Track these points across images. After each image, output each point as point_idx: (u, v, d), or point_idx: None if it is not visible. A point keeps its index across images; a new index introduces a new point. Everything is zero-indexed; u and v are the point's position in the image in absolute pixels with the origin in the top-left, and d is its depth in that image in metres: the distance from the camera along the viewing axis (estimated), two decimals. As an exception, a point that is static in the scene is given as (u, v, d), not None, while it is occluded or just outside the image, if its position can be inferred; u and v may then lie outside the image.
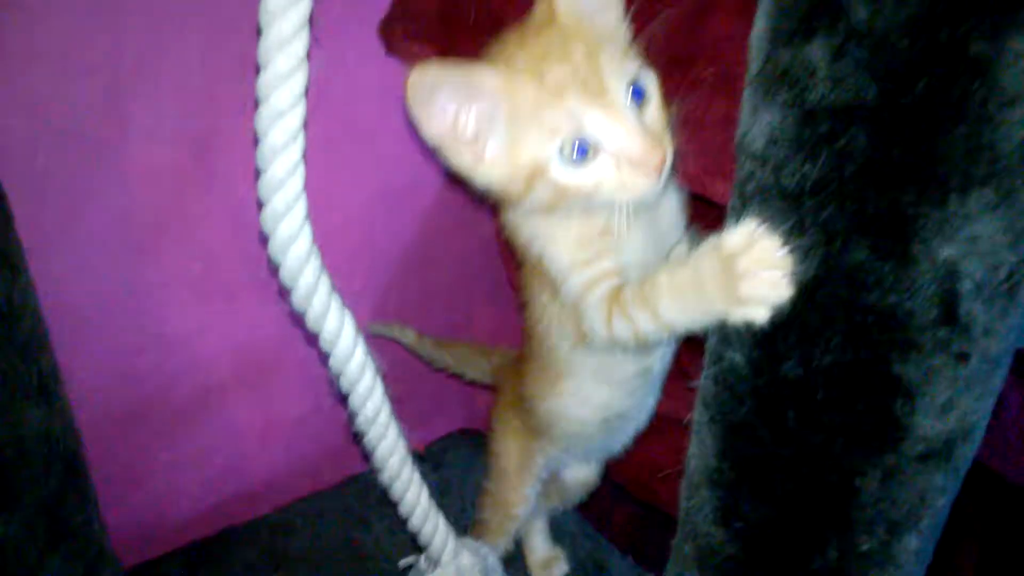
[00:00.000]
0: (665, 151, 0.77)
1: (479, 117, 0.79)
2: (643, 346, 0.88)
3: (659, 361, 1.03)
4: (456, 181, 0.86)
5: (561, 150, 0.78)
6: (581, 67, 0.76)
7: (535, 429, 1.16)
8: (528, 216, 0.89)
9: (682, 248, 0.90)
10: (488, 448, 1.28)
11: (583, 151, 0.77)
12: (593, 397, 1.05)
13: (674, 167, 0.82)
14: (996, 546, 1.47)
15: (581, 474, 1.34)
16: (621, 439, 1.17)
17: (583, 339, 0.92)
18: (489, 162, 0.82)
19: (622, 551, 1.49)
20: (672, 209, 0.93)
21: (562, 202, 0.82)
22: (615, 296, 0.84)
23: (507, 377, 1.28)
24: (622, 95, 0.78)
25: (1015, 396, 1.92)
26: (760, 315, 0.70)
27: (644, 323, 0.81)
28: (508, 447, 1.23)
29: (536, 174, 0.80)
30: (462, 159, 0.82)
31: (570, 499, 1.39)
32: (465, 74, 0.78)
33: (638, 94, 0.79)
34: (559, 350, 1.00)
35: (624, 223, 0.82)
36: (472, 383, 1.48)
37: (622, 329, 0.84)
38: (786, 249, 0.67)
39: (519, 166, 0.80)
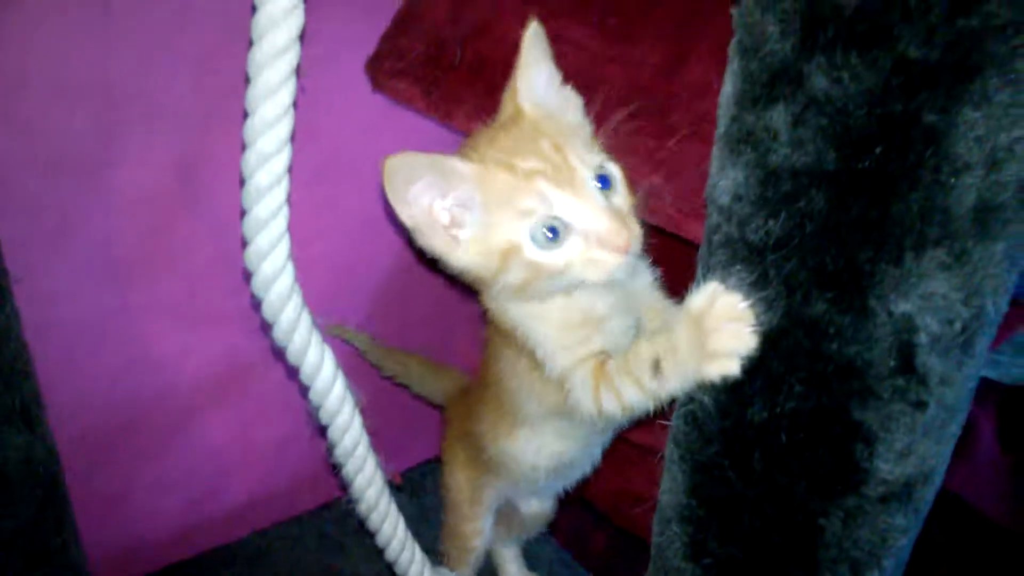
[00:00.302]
0: (631, 232, 0.80)
1: (453, 204, 0.82)
2: (630, 416, 0.89)
3: None
4: (430, 262, 0.88)
5: (533, 232, 0.80)
6: (550, 156, 0.81)
7: (484, 464, 1.18)
8: (507, 301, 0.90)
9: (660, 314, 0.94)
10: (440, 482, 1.31)
11: (555, 233, 0.80)
12: (548, 447, 1.07)
13: (643, 249, 0.86)
14: (967, 574, 1.49)
15: (537, 507, 1.36)
16: (566, 482, 1.22)
17: (559, 411, 0.94)
18: (464, 246, 0.84)
19: (602, 581, 1.50)
20: (648, 291, 0.96)
21: (535, 281, 0.83)
22: (600, 370, 0.87)
23: (457, 410, 1.30)
24: (589, 180, 0.81)
25: (987, 428, 1.95)
26: (732, 368, 0.73)
27: (630, 395, 0.84)
28: (458, 480, 1.25)
29: (510, 255, 0.82)
30: (437, 242, 0.84)
31: (528, 531, 1.41)
32: (440, 164, 0.81)
33: (604, 182, 0.83)
34: (521, 406, 1.02)
35: (598, 303, 0.87)
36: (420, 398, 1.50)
37: (610, 403, 0.86)
38: (747, 303, 0.71)
39: (493, 248, 0.82)
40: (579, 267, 0.81)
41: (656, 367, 0.80)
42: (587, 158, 0.82)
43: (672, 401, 0.85)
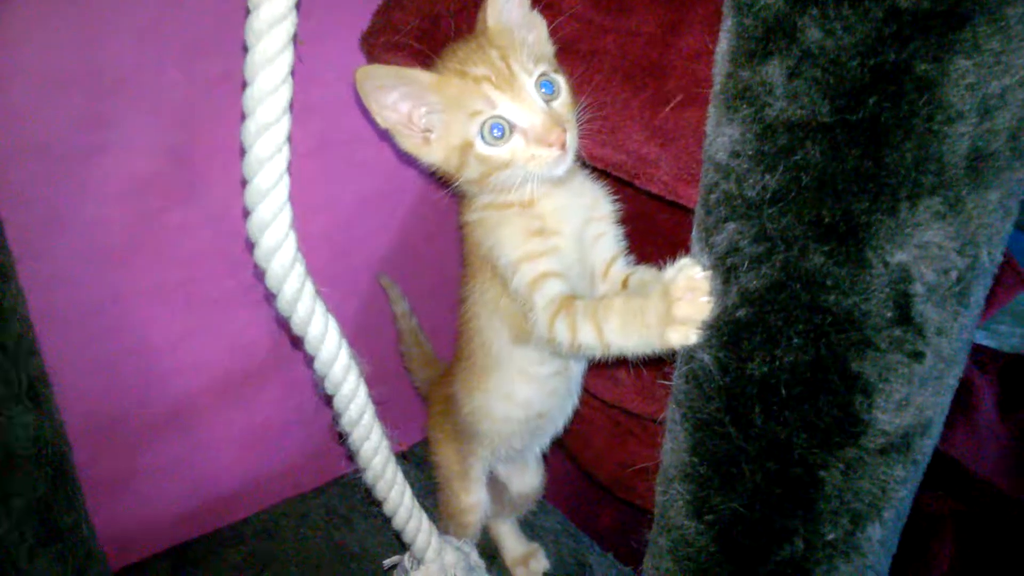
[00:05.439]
0: (565, 131, 0.91)
1: (416, 107, 0.95)
2: (575, 355, 0.98)
3: (575, 364, 1.14)
4: (407, 161, 1.02)
5: (482, 130, 0.92)
6: (496, 64, 0.93)
7: (463, 431, 1.23)
8: (478, 200, 1.03)
9: (640, 276, 1.01)
10: (430, 462, 1.35)
11: (500, 130, 0.92)
12: (517, 394, 1.13)
13: (580, 159, 0.99)
14: (970, 540, 1.51)
15: (525, 485, 1.41)
16: (541, 441, 1.28)
17: (522, 335, 1.02)
18: (433, 146, 0.97)
19: (605, 549, 1.52)
20: (599, 215, 1.05)
21: (490, 175, 0.95)
22: (567, 304, 0.94)
23: (437, 386, 1.36)
24: (528, 85, 0.93)
25: (988, 396, 1.97)
26: (691, 337, 0.80)
27: (585, 334, 0.92)
28: (447, 456, 1.30)
29: (465, 150, 0.94)
30: (410, 143, 0.98)
31: (518, 509, 1.45)
32: (404, 74, 0.94)
33: (548, 88, 0.94)
34: (489, 345, 1.10)
35: (551, 217, 0.99)
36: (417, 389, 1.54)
37: (562, 333, 0.94)
38: (707, 274, 0.77)
39: (453, 146, 0.95)
40: (521, 159, 0.93)
41: (622, 320, 0.88)
42: (529, 67, 0.93)
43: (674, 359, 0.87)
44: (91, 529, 1.02)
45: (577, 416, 1.26)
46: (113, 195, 1.14)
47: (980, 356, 2.08)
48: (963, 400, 1.89)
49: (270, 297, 0.82)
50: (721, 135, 0.69)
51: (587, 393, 1.30)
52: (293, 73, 0.74)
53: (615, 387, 1.31)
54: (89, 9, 1.04)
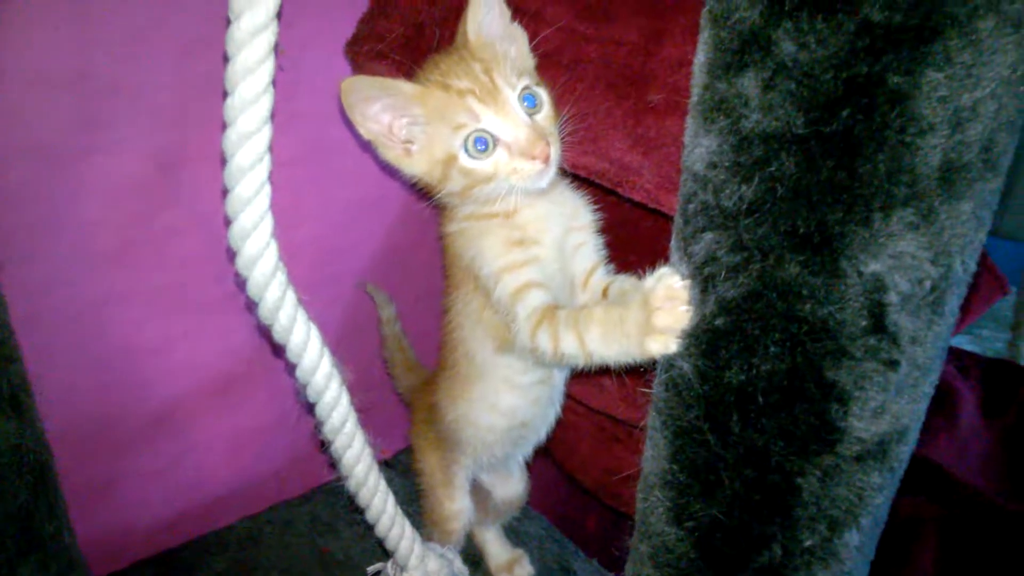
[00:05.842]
0: (548, 144, 0.93)
1: (408, 122, 0.96)
2: (558, 364, 1.00)
3: (558, 372, 1.15)
4: (389, 171, 1.04)
5: (466, 143, 0.93)
6: (480, 78, 0.93)
7: (446, 439, 1.23)
8: (460, 212, 1.03)
9: (620, 285, 1.02)
10: (413, 469, 1.35)
11: (484, 144, 0.93)
12: (500, 403, 1.13)
13: (562, 170, 1.01)
14: (953, 544, 1.52)
15: (508, 491, 1.41)
16: (523, 449, 1.29)
17: (505, 344, 1.03)
18: (415, 157, 0.98)
19: (590, 555, 1.52)
20: (579, 224, 1.06)
21: (473, 187, 0.96)
22: (549, 314, 0.95)
23: (420, 394, 1.37)
24: (512, 99, 0.94)
25: (971, 400, 1.99)
26: (671, 346, 0.81)
27: (567, 344, 0.93)
28: (430, 464, 1.30)
29: (449, 163, 0.95)
30: (392, 154, 0.98)
31: (502, 515, 1.45)
32: (389, 85, 0.94)
33: (531, 101, 0.96)
34: (473, 355, 1.11)
35: (532, 225, 1.00)
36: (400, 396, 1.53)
37: (545, 343, 0.95)
38: (686, 283, 0.78)
39: (436, 159, 0.96)
40: (504, 173, 0.94)
41: (603, 329, 0.89)
42: (513, 80, 0.95)
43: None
44: (73, 537, 1.02)
45: (562, 422, 1.26)
46: (103, 197, 1.15)
47: (963, 361, 2.10)
48: (945, 405, 1.91)
49: (252, 305, 0.82)
50: (699, 146, 0.70)
51: (573, 399, 1.31)
52: (275, 82, 0.74)
53: (600, 393, 1.32)
54: (86, 11, 1.04)
